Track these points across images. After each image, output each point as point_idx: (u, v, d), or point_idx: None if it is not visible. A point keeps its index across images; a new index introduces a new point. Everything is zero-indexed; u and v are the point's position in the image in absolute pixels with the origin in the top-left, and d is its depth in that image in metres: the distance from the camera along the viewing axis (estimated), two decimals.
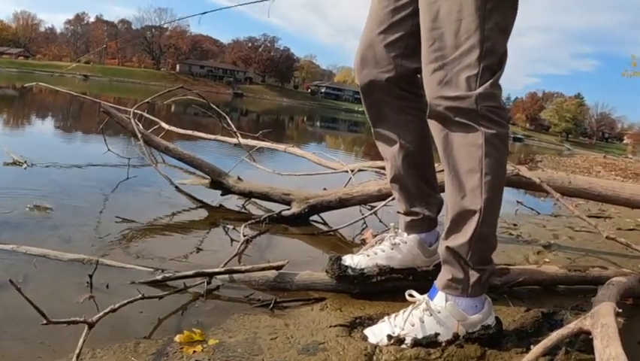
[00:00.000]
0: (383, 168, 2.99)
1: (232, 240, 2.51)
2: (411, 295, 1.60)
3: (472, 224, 1.53)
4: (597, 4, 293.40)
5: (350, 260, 1.89)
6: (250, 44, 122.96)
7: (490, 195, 1.52)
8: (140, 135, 3.35)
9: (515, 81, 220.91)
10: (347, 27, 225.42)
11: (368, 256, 1.90)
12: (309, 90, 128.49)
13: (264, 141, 4.73)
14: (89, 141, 6.44)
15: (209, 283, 1.85)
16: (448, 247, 1.58)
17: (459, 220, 1.56)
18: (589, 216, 3.26)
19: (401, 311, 1.60)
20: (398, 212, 1.99)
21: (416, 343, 1.52)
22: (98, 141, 4.15)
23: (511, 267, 2.15)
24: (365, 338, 1.56)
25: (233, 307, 1.74)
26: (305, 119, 42.04)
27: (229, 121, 4.92)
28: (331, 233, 2.93)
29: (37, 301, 1.19)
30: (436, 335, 1.54)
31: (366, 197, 3.04)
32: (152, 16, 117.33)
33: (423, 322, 1.55)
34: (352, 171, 3.67)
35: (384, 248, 1.90)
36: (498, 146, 1.55)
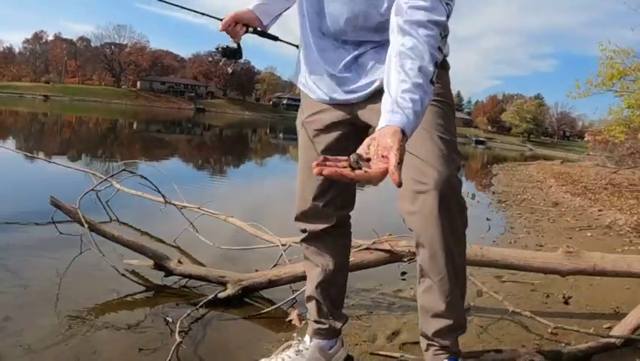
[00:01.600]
0: None
1: (172, 332, 2.75)
2: None
3: None
4: (557, 5, 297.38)
5: None
6: (211, 58, 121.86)
7: None
8: (86, 225, 3.60)
9: (476, 84, 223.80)
10: None
11: None
12: (271, 102, 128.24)
13: (205, 210, 5.03)
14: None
15: None
16: None
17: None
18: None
19: None
20: (307, 318, 2.33)
21: None
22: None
23: (409, 358, 2.45)
24: None
25: None
26: (268, 131, 42.05)
27: (177, 190, 5.19)
28: (264, 313, 3.20)
29: None
30: None
31: (294, 278, 3.34)
32: (111, 33, 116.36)
33: None
34: (284, 245, 3.96)
35: (290, 355, 2.22)
36: None
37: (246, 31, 2.35)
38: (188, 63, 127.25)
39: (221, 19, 2.32)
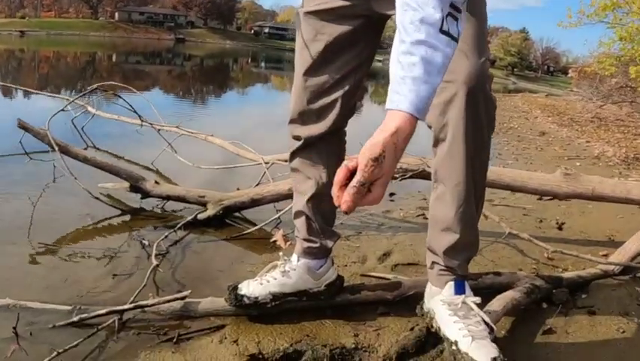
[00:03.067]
0: None
1: (148, 256, 2.60)
2: None
3: None
4: None
5: (246, 288, 2.02)
6: None
7: None
8: (57, 148, 3.39)
9: None
10: None
11: (261, 284, 2.03)
12: (253, 31, 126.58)
13: (183, 130, 4.82)
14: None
15: (120, 319, 1.95)
16: None
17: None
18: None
19: None
20: (296, 236, 2.15)
21: None
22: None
23: (403, 279, 2.31)
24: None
25: (143, 344, 1.86)
26: (249, 60, 41.69)
27: (156, 112, 4.98)
28: (246, 234, 3.06)
29: None
30: None
31: (278, 196, 3.20)
32: None
33: None
34: (267, 163, 3.80)
35: (276, 276, 2.05)
36: None
37: None
38: None
39: None
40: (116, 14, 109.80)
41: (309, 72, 1.93)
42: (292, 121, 2.02)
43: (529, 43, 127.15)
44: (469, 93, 1.60)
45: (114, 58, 32.00)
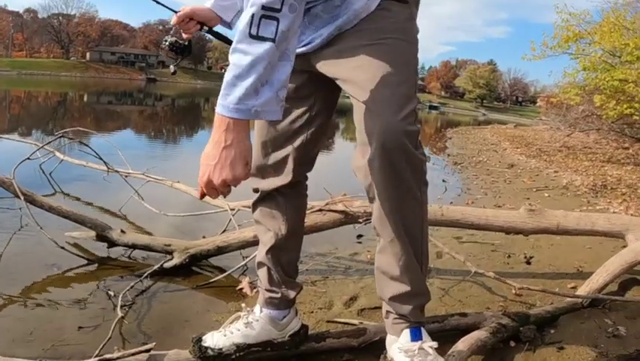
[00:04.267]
0: None
1: (114, 306, 2.57)
2: None
3: None
4: None
5: (210, 340, 2.00)
6: (161, 27, 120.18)
7: None
8: (22, 197, 3.36)
9: (429, 50, 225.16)
10: None
11: (225, 335, 2.02)
12: (223, 70, 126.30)
13: (150, 177, 4.82)
14: None
15: None
16: None
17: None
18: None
19: None
20: (258, 286, 2.14)
21: None
22: None
23: (368, 325, 2.31)
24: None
25: None
26: None
27: (123, 158, 4.97)
28: (213, 282, 3.04)
29: None
30: None
31: (244, 243, 3.19)
32: (58, 3, 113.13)
33: None
34: (233, 210, 3.79)
35: (239, 327, 2.04)
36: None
37: (200, 29, 2.21)
38: (139, 32, 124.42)
39: (176, 12, 2.16)
40: (88, 54, 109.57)
41: (263, 128, 1.97)
42: (252, 173, 2.02)
43: (498, 74, 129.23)
44: (384, 155, 1.58)
45: (85, 98, 31.89)
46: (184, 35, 2.24)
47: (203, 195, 1.57)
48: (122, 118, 18.95)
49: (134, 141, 11.56)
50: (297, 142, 1.94)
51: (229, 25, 2.24)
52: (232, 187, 1.57)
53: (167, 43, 2.25)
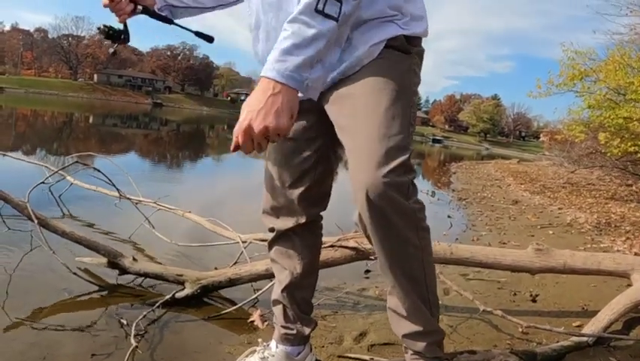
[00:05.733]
0: None
1: (127, 335, 2.60)
2: None
3: None
4: (517, 9, 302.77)
5: None
6: (169, 53, 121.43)
7: None
8: (36, 221, 3.40)
9: (434, 84, 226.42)
10: None
11: None
12: (229, 98, 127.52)
13: (161, 206, 4.86)
14: None
15: None
16: None
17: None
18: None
19: None
20: (274, 322, 2.18)
21: None
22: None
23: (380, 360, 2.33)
24: None
25: None
26: (226, 127, 41.78)
27: (134, 185, 5.01)
28: (224, 314, 3.05)
29: None
30: None
31: (255, 276, 3.21)
32: (68, 25, 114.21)
33: None
34: (245, 243, 3.82)
35: None
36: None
37: (134, 10, 2.05)
38: (147, 57, 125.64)
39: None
40: (95, 76, 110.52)
41: (273, 168, 2.00)
42: (265, 212, 2.09)
43: (501, 109, 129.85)
44: (371, 209, 1.61)
45: (91, 120, 32.04)
46: (118, 19, 2.06)
47: (237, 148, 1.52)
48: (128, 141, 19.02)
49: (143, 165, 11.63)
50: (307, 183, 1.98)
51: (170, 10, 2.19)
52: (268, 144, 1.58)
53: (100, 29, 2.05)
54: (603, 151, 11.93)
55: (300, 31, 1.46)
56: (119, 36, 2.07)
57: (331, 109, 1.78)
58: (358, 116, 1.67)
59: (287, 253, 2.09)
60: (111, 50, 2.18)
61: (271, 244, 2.13)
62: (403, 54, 1.78)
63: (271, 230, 2.09)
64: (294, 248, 2.08)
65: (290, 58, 1.46)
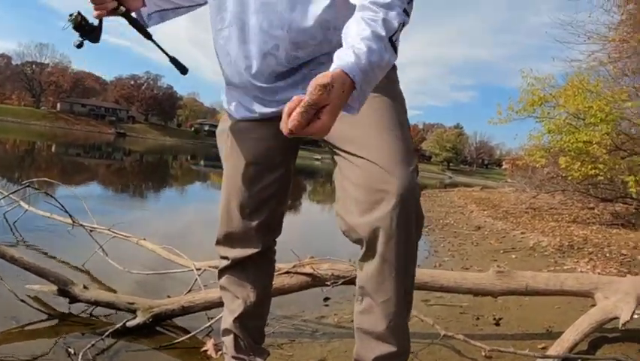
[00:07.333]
0: None
1: None
2: None
3: None
4: (479, 40, 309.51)
5: None
6: (133, 82, 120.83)
7: None
8: None
9: None
10: None
11: None
12: (193, 128, 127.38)
13: (116, 233, 4.74)
14: None
15: None
16: None
17: None
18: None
19: None
20: (224, 353, 2.09)
21: None
22: None
23: None
24: None
25: None
26: (189, 158, 41.68)
27: (89, 211, 4.90)
28: (177, 343, 2.95)
29: None
30: None
31: (209, 304, 3.12)
32: (32, 52, 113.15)
33: None
34: (199, 270, 3.72)
35: None
36: None
37: (116, 9, 1.83)
38: (110, 86, 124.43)
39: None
40: (59, 105, 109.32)
41: (232, 196, 1.94)
42: (218, 242, 2.03)
43: (464, 138, 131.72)
44: (402, 208, 1.56)
45: (54, 148, 31.67)
46: (95, 13, 1.82)
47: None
48: (90, 171, 18.79)
49: (103, 194, 11.43)
50: (267, 210, 1.93)
51: (160, 15, 2.05)
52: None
53: (72, 18, 1.79)
54: (564, 175, 12.07)
55: (380, 51, 1.37)
56: (90, 31, 1.83)
57: None
58: (367, 124, 1.63)
59: (240, 281, 2.02)
60: (76, 42, 1.82)
61: (222, 272, 2.06)
62: (392, 70, 1.77)
63: (224, 258, 2.02)
64: (248, 276, 2.01)
65: (373, 74, 1.36)
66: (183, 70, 1.94)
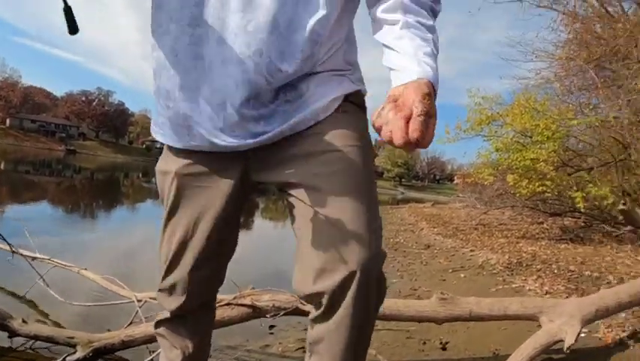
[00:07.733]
0: None
1: None
2: None
3: None
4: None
5: None
6: (84, 98, 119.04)
7: None
8: None
9: None
10: None
11: None
12: (144, 145, 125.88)
13: (56, 262, 4.62)
14: None
15: None
16: None
17: None
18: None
19: None
20: None
21: None
22: None
23: None
24: None
25: None
26: (140, 175, 41.15)
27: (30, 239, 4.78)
28: None
29: None
30: None
31: (150, 337, 3.05)
32: None
33: None
34: (140, 301, 3.66)
35: None
36: None
37: None
38: (61, 102, 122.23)
39: None
40: (8, 120, 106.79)
41: (175, 246, 1.78)
42: (161, 290, 1.88)
43: (416, 153, 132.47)
44: (362, 281, 1.45)
45: (2, 165, 30.98)
46: None
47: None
48: (39, 189, 18.36)
49: (51, 215, 11.12)
50: (215, 263, 1.82)
51: None
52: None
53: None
54: (513, 192, 12.24)
55: (435, 38, 1.47)
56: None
57: (284, 170, 1.58)
58: (336, 179, 1.52)
59: (179, 332, 1.90)
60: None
61: (160, 323, 1.95)
62: (359, 109, 1.70)
63: (165, 309, 1.90)
64: (187, 329, 1.90)
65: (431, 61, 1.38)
66: (74, 29, 1.57)
